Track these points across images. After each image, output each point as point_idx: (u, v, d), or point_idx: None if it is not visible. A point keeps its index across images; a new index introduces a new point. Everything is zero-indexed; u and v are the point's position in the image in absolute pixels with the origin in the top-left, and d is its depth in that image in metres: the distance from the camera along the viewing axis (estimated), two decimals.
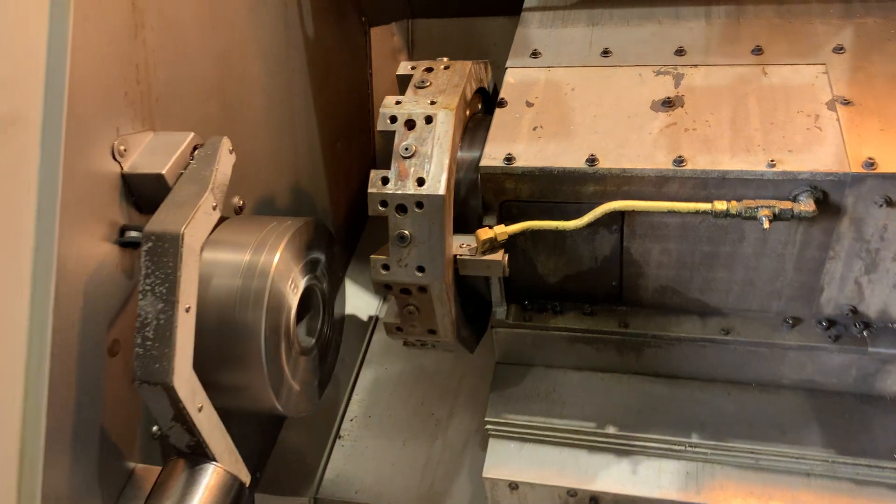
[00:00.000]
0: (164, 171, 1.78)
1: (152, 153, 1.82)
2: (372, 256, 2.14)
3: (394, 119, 2.13)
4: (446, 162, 2.05)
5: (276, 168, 2.62)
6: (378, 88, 3.60)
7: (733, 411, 2.32)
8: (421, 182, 2.04)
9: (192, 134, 1.87)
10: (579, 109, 2.24)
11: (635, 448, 2.29)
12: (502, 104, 2.31)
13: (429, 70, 2.26)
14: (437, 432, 2.85)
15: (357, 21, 3.38)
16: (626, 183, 2.08)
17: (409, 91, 2.20)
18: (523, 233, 2.15)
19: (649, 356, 2.37)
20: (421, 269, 2.10)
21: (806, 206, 1.93)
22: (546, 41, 2.51)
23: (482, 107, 2.51)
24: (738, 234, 2.11)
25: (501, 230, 2.12)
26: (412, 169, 2.06)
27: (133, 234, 1.77)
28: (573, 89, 2.32)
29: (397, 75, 2.31)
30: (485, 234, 2.12)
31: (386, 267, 2.13)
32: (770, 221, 1.93)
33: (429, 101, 2.14)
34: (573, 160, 2.10)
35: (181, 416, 1.63)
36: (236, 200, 2.28)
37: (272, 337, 1.85)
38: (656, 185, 2.05)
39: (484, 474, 2.32)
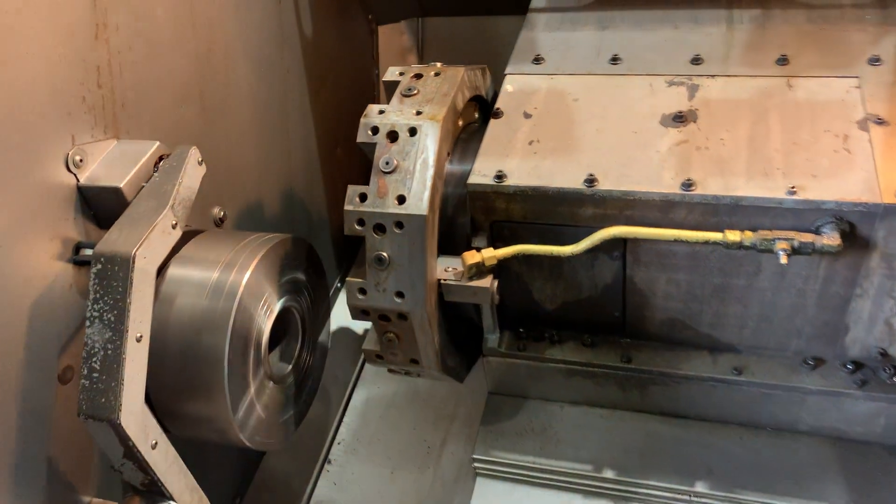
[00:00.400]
0: (121, 185, 1.64)
1: (112, 164, 1.68)
2: (347, 279, 1.96)
3: (375, 130, 1.95)
4: (430, 178, 1.86)
5: (266, 176, 2.46)
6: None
7: (744, 458, 2.11)
8: (401, 200, 1.86)
9: (157, 143, 1.73)
10: (581, 122, 2.04)
11: (635, 496, 2.09)
12: (498, 115, 2.12)
13: (418, 76, 2.07)
14: (428, 461, 2.66)
15: (363, 19, 3.19)
16: (628, 206, 1.87)
17: (395, 99, 2.01)
18: (516, 256, 1.95)
19: (654, 394, 2.17)
20: (400, 294, 1.91)
21: (830, 239, 1.71)
22: (551, 46, 2.31)
23: (479, 116, 2.31)
24: (753, 266, 1.89)
25: (490, 254, 1.93)
26: (392, 185, 1.88)
27: (89, 251, 1.62)
28: (576, 100, 2.11)
29: (384, 81, 2.12)
30: (471, 257, 1.93)
31: (363, 291, 1.95)
32: (788, 256, 1.71)
33: (414, 112, 1.95)
34: (570, 180, 1.90)
35: (132, 454, 1.51)
36: (216, 211, 2.12)
37: (238, 364, 1.70)
38: (662, 209, 1.85)
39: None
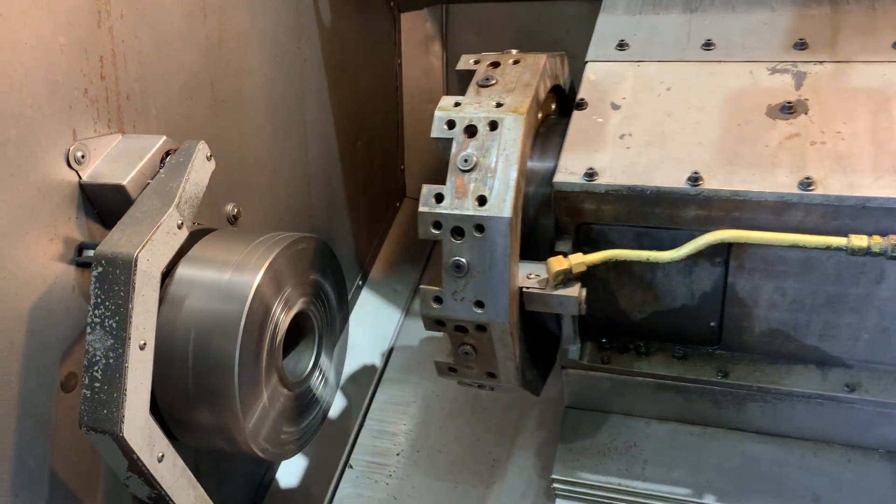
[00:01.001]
0: (125, 182, 1.55)
1: (115, 160, 1.59)
2: (422, 287, 1.81)
3: (451, 124, 1.78)
4: (514, 177, 1.69)
5: (281, 172, 2.35)
6: (408, 80, 3.26)
7: (854, 482, 1.92)
8: (482, 201, 1.69)
9: (164, 138, 1.63)
10: (677, 114, 1.85)
11: None
12: (582, 106, 1.93)
13: (495, 65, 1.89)
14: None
15: (385, 6, 3.04)
16: (736, 208, 1.68)
17: (471, 90, 1.84)
18: (605, 262, 1.77)
19: (752, 411, 1.98)
20: (480, 303, 1.75)
21: None
22: (634, 30, 2.11)
23: (556, 107, 2.13)
24: (875, 274, 1.70)
25: (578, 260, 1.75)
26: (472, 185, 1.71)
27: (92, 252, 1.51)
28: (668, 89, 1.92)
29: (457, 70, 1.95)
30: (558, 263, 1.76)
31: (438, 300, 1.79)
32: None
33: (494, 103, 1.78)
34: (671, 178, 1.71)
35: (137, 468, 1.43)
36: (230, 209, 2.02)
37: (249, 370, 1.60)
38: (775, 211, 1.66)
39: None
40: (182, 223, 1.53)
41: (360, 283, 2.99)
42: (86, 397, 1.39)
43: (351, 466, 2.54)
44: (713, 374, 1.95)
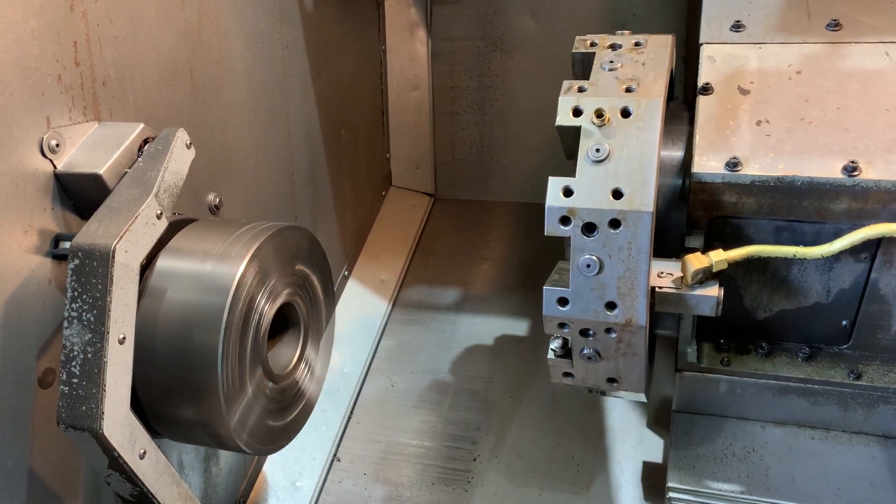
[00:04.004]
0: (101, 171, 1.49)
1: (91, 149, 1.53)
2: (546, 287, 1.67)
3: (578, 112, 1.64)
4: (653, 167, 1.56)
5: (264, 160, 2.28)
6: (392, 67, 3.20)
7: None
8: (618, 194, 1.56)
9: (142, 125, 1.57)
10: (815, 99, 1.72)
11: None
12: (707, 90, 1.80)
13: (615, 47, 1.76)
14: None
15: None
16: (895, 200, 1.56)
17: (596, 74, 1.71)
18: (742, 259, 1.65)
19: (883, 414, 1.88)
20: (612, 305, 1.62)
21: None
22: (748, 10, 1.97)
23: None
24: None
25: (720, 257, 1.63)
26: (606, 177, 1.58)
27: (68, 244, 1.46)
28: (798, 72, 1.80)
29: (573, 54, 1.82)
30: (697, 261, 1.63)
31: (563, 301, 1.65)
32: None
33: (624, 88, 1.65)
34: (824, 168, 1.59)
35: (118, 465, 1.39)
36: (211, 198, 1.96)
37: (233, 364, 1.54)
38: None
39: None
40: (161, 213, 1.48)
41: (346, 273, 2.96)
42: (64, 393, 1.34)
43: (338, 459, 2.48)
44: (843, 375, 1.84)
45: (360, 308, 2.89)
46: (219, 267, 1.55)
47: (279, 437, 1.75)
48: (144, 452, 1.43)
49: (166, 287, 1.54)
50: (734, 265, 1.75)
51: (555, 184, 1.61)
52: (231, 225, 1.69)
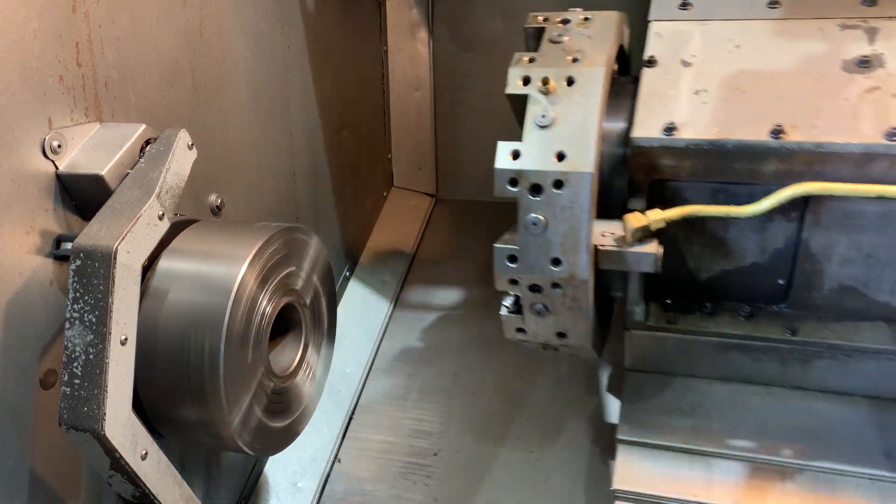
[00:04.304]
0: (103, 172, 1.48)
1: (93, 150, 1.52)
2: (496, 245, 1.79)
3: (527, 80, 1.76)
4: (594, 131, 1.68)
5: (265, 160, 2.28)
6: (394, 68, 3.21)
7: None
8: (561, 157, 1.68)
9: (143, 126, 1.56)
10: (751, 70, 1.84)
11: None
12: (652, 63, 1.92)
13: (565, 22, 1.88)
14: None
15: None
16: (818, 161, 1.68)
17: (545, 46, 1.82)
18: (677, 220, 1.77)
19: (819, 368, 1.99)
20: (556, 261, 1.74)
21: None
22: None
23: (618, 68, 2.12)
24: None
25: (657, 216, 1.74)
26: (550, 140, 1.70)
27: (70, 245, 1.45)
28: (738, 46, 1.91)
29: (525, 28, 1.94)
30: (636, 220, 1.75)
31: (513, 258, 1.77)
32: None
33: (570, 58, 1.76)
34: (753, 131, 1.71)
35: (119, 466, 1.38)
36: (213, 199, 1.96)
37: (234, 364, 1.53)
38: (859, 163, 1.65)
39: (614, 486, 1.98)
40: (163, 214, 1.47)
41: (348, 273, 2.95)
42: (65, 395, 1.33)
43: (339, 460, 2.47)
44: (781, 332, 1.95)
45: (361, 309, 2.89)
46: (220, 268, 1.55)
47: (281, 439, 1.75)
48: (146, 453, 1.42)
49: (168, 288, 1.53)
50: (676, 227, 1.86)
51: (503, 148, 1.73)
52: (232, 226, 1.71)
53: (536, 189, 1.71)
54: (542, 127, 1.71)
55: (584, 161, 1.66)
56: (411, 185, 3.43)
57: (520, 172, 1.70)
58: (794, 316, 1.97)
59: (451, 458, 2.45)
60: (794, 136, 1.68)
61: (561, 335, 1.91)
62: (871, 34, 1.86)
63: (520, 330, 1.95)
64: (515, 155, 1.72)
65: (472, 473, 2.39)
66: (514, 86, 1.77)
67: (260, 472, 2.36)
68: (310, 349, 1.81)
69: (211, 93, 1.97)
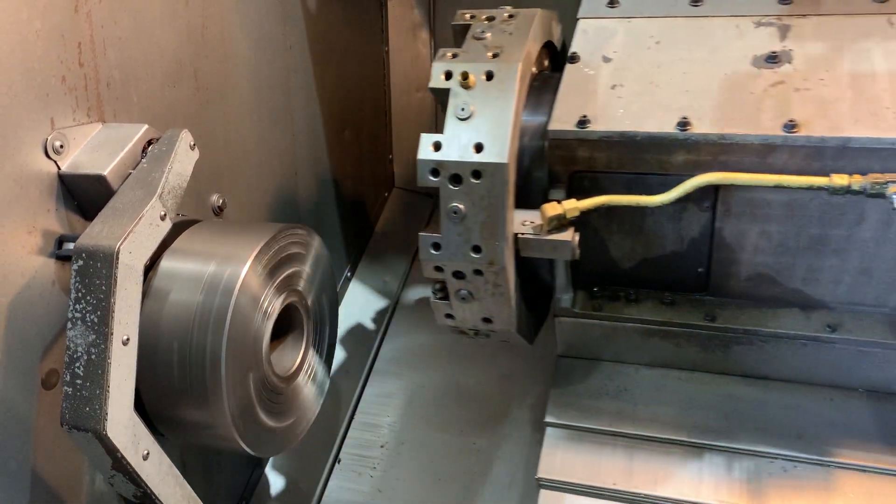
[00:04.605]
0: (105, 172, 1.50)
1: (95, 150, 1.54)
2: (420, 234, 1.86)
3: (449, 75, 1.83)
4: (510, 124, 1.75)
5: (268, 161, 2.31)
6: (395, 68, 3.22)
7: (836, 420, 2.01)
8: (479, 148, 1.75)
9: (146, 126, 1.58)
10: (666, 66, 1.91)
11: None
12: (574, 59, 1.99)
13: (490, 19, 1.95)
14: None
15: None
16: (723, 151, 1.75)
17: (468, 42, 1.90)
18: (597, 209, 1.84)
19: (738, 354, 2.06)
20: (477, 249, 1.81)
21: None
22: None
23: (549, 64, 2.19)
24: (856, 215, 1.77)
25: (572, 205, 1.81)
26: (469, 133, 1.77)
27: (72, 245, 1.47)
28: (658, 42, 1.98)
29: (453, 25, 2.01)
30: (552, 209, 1.82)
31: (437, 246, 1.85)
32: None
33: (490, 54, 1.84)
34: (661, 124, 1.78)
35: (121, 466, 1.39)
36: (215, 199, 1.99)
37: (236, 365, 1.55)
38: (760, 154, 1.73)
39: (538, 474, 2.05)
40: (165, 214, 1.47)
41: (349, 274, 2.97)
42: (67, 395, 1.33)
43: (339, 461, 2.50)
44: (700, 318, 2.02)
45: (362, 309, 2.90)
46: (222, 268, 1.55)
47: (282, 439, 1.75)
48: (148, 453, 1.42)
49: (170, 288, 1.54)
50: (597, 216, 1.94)
51: (426, 139, 1.80)
52: (235, 226, 1.73)
53: (456, 179, 1.78)
54: (462, 119, 1.78)
55: (500, 152, 1.73)
56: (412, 185, 3.35)
57: (440, 163, 1.78)
58: (714, 303, 2.04)
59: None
60: (699, 128, 1.75)
61: (486, 320, 1.98)
62: (784, 31, 1.93)
63: (448, 316, 2.02)
64: (437, 146, 1.79)
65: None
66: (437, 80, 1.84)
67: (261, 473, 2.38)
68: (311, 350, 1.83)
69: (213, 93, 1.98)
